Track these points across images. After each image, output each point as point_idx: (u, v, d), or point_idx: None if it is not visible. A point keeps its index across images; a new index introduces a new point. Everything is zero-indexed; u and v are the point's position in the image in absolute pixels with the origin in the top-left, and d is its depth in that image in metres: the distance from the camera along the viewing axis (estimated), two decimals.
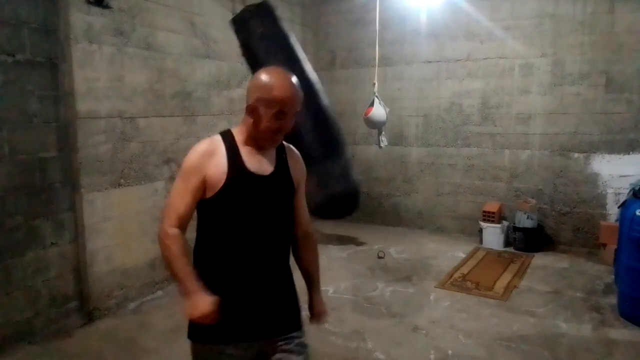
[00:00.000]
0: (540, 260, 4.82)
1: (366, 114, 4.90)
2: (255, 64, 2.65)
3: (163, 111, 4.00)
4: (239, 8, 2.65)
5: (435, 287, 4.12)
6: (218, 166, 1.57)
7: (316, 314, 1.90)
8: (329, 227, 6.05)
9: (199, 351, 1.65)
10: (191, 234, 1.61)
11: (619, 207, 4.50)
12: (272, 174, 1.63)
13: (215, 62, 4.49)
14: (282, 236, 1.70)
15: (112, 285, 3.62)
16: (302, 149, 2.41)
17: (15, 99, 2.99)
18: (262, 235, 1.62)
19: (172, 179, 4.12)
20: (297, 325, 1.78)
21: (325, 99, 2.60)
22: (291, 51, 2.61)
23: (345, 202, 2.48)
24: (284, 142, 1.72)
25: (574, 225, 5.12)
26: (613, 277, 4.19)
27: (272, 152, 1.67)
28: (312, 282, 1.89)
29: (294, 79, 1.60)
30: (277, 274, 1.71)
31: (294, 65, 2.52)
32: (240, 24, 2.65)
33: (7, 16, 2.92)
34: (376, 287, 4.10)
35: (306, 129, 2.40)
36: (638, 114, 4.74)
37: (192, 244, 1.65)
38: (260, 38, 2.62)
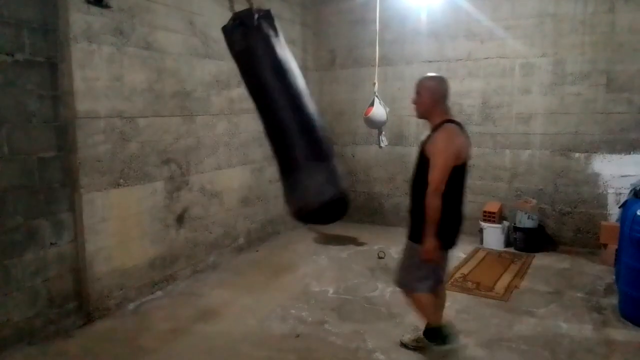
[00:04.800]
0: (540, 260, 4.81)
1: (366, 113, 4.89)
2: (243, 81, 2.56)
3: (162, 111, 3.99)
4: (239, 8, 2.57)
5: None
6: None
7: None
8: (329, 227, 6.04)
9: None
10: None
11: (619, 207, 4.50)
12: None
13: (215, 62, 4.49)
14: None
15: (111, 286, 3.61)
16: (287, 151, 2.42)
17: (15, 99, 2.98)
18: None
19: (171, 179, 4.12)
20: None
21: (312, 106, 2.55)
22: (274, 66, 2.40)
23: (329, 209, 2.45)
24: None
25: (575, 226, 5.11)
26: (614, 277, 4.18)
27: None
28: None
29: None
30: None
31: (278, 81, 2.39)
32: (226, 35, 2.53)
33: (6, 16, 2.91)
34: (376, 287, 4.09)
35: (292, 133, 2.40)
36: (639, 113, 4.73)
37: None
38: (240, 52, 2.48)
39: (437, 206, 2.57)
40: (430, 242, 2.63)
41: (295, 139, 2.40)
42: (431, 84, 2.73)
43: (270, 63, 2.41)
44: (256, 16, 2.40)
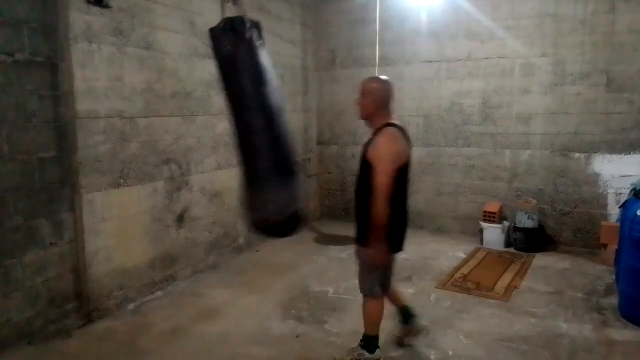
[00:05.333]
0: (540, 260, 4.81)
1: None
2: (221, 84, 2.56)
3: (162, 111, 3.99)
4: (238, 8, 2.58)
5: (435, 287, 4.11)
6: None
7: None
8: (329, 227, 6.05)
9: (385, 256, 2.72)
10: None
11: (619, 207, 4.49)
12: None
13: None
14: None
15: (111, 286, 3.61)
16: (256, 162, 2.47)
17: (15, 99, 2.98)
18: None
19: (171, 179, 4.12)
20: None
21: (285, 122, 2.58)
22: (257, 77, 2.44)
23: (286, 225, 2.56)
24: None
25: (575, 226, 5.11)
26: (614, 277, 4.18)
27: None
28: None
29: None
30: None
31: (258, 92, 2.45)
32: (213, 37, 2.53)
33: (6, 16, 2.91)
34: None
35: (263, 145, 2.45)
36: (639, 113, 4.73)
37: None
38: (225, 57, 2.46)
39: (384, 212, 2.52)
40: (377, 248, 2.59)
41: (266, 151, 2.46)
42: (375, 86, 2.70)
43: (254, 73, 2.46)
44: (248, 25, 2.44)
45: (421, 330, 3.15)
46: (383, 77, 2.80)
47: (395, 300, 3.10)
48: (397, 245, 2.76)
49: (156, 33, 3.87)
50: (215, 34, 2.49)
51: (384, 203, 2.52)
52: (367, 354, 2.86)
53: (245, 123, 2.48)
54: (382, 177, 2.52)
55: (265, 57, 2.51)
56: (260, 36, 2.53)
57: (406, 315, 3.11)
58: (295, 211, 2.50)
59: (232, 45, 2.42)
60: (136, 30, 3.69)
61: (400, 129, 2.70)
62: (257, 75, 2.45)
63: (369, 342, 2.88)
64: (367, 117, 2.73)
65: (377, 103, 2.67)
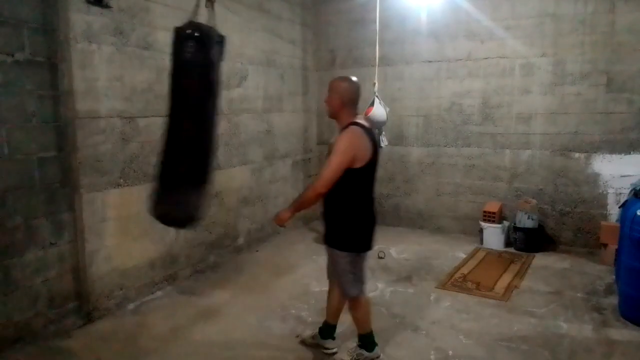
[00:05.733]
0: (540, 260, 4.81)
1: (366, 113, 4.88)
2: (171, 81, 2.58)
3: (162, 111, 3.94)
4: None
5: (435, 287, 4.11)
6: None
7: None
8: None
9: (353, 257, 2.71)
10: None
11: (619, 207, 4.50)
12: None
13: None
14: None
15: (111, 286, 3.61)
16: (178, 164, 2.55)
17: (15, 99, 2.98)
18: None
19: None
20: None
21: (215, 138, 2.68)
22: (207, 89, 2.53)
23: (184, 222, 2.81)
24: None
25: (575, 226, 5.11)
26: (614, 277, 4.18)
27: None
28: None
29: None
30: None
31: (203, 102, 2.53)
32: (178, 37, 2.54)
33: (6, 16, 2.91)
34: (376, 288, 4.09)
35: (190, 151, 2.55)
36: (639, 113, 4.73)
37: None
38: (184, 62, 2.49)
39: (312, 201, 2.65)
40: (286, 213, 2.70)
41: (190, 160, 2.54)
42: (341, 85, 2.70)
43: (204, 86, 2.50)
44: (214, 39, 2.48)
45: (323, 348, 3.08)
46: (351, 77, 2.80)
47: (333, 313, 3.07)
48: (365, 244, 2.74)
49: (156, 33, 3.87)
50: (179, 35, 2.50)
51: (316, 195, 2.59)
52: (366, 353, 2.87)
53: (179, 128, 2.55)
54: (327, 172, 2.54)
55: (220, 73, 2.57)
56: (222, 52, 2.59)
57: (327, 333, 3.09)
58: (194, 215, 2.67)
59: (195, 54, 2.45)
60: (136, 30, 3.68)
61: (365, 128, 2.68)
62: (207, 89, 2.52)
63: (366, 340, 2.89)
64: (334, 115, 2.73)
65: (343, 101, 2.67)
